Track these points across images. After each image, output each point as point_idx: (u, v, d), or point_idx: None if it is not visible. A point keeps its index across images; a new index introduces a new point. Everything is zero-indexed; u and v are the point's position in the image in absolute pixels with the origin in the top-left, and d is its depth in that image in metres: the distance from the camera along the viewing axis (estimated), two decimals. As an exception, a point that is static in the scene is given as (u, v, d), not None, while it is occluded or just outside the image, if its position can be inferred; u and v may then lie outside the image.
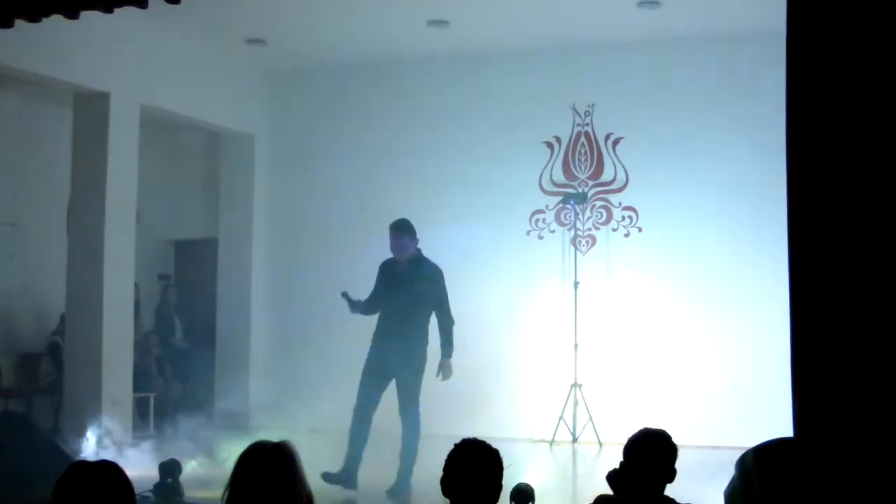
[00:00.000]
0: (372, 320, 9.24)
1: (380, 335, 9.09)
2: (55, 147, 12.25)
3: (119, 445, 10.14)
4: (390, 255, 9.20)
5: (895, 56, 4.10)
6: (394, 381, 9.01)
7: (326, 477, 8.41)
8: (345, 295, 9.12)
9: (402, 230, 9.06)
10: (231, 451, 4.12)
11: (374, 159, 12.88)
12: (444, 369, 9.10)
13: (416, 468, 8.79)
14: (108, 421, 10.80)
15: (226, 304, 13.63)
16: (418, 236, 9.12)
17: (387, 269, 9.21)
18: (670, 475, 4.32)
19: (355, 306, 9.16)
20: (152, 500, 7.94)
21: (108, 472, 3.44)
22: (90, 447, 9.85)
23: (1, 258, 12.49)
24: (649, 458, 4.30)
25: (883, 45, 4.12)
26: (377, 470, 8.87)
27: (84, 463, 3.51)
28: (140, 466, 8.53)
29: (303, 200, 13.22)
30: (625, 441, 4.46)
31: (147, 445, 10.30)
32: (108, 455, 9.02)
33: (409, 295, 8.95)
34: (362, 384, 8.98)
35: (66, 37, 9.64)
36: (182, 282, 14.90)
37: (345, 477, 8.68)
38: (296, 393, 11.37)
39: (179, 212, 14.81)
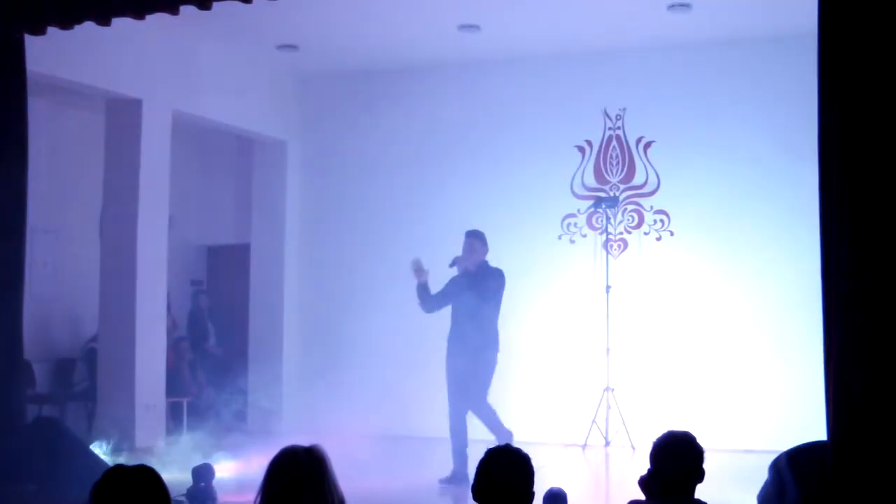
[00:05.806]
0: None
1: (454, 339, 9.43)
2: (88, 154, 12.30)
3: (152, 450, 10.19)
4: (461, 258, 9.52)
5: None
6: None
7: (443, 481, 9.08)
8: (417, 264, 9.49)
9: (475, 235, 9.62)
10: (263, 456, 4.13)
11: (406, 164, 12.88)
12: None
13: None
14: (142, 426, 10.87)
15: (258, 310, 13.64)
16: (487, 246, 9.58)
17: (456, 278, 9.55)
18: (699, 476, 4.32)
19: (422, 289, 9.51)
20: (185, 505, 7.97)
21: (145, 477, 3.46)
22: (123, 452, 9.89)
23: (35, 265, 12.52)
24: (676, 461, 4.30)
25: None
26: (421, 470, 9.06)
27: (121, 467, 3.53)
28: (173, 471, 8.57)
29: (335, 205, 13.23)
30: (656, 445, 4.46)
31: (180, 450, 10.32)
32: (141, 459, 9.04)
33: (476, 298, 9.32)
34: (451, 395, 9.40)
35: (97, 44, 9.69)
36: (214, 287, 14.94)
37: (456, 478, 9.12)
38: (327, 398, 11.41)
39: (212, 217, 14.86)
